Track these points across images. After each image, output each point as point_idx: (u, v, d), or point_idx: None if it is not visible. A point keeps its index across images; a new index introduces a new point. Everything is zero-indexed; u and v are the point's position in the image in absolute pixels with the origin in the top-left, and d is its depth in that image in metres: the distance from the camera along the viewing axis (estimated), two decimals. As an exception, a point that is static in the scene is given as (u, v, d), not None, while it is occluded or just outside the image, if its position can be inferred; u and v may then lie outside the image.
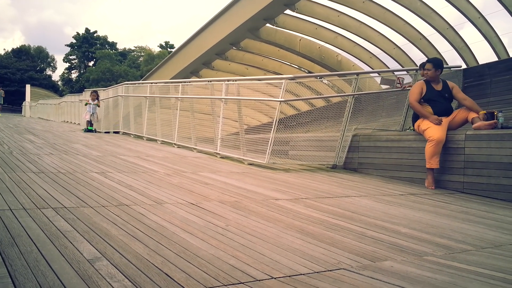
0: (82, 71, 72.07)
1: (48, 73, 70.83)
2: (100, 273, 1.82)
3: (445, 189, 5.14)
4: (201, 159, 6.71)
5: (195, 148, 7.86)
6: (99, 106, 12.23)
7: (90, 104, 12.00)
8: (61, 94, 49.40)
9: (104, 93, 13.55)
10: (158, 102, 9.71)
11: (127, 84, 12.17)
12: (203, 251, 2.24)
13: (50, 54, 72.73)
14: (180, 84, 9.00)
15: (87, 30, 72.39)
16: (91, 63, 72.71)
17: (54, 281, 1.71)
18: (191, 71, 15.97)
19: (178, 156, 6.81)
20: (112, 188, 3.73)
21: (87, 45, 71.47)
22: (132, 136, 10.66)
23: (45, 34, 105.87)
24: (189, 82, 9.49)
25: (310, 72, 15.29)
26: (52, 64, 72.92)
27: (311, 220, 3.17)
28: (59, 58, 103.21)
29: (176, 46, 19.83)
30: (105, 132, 12.14)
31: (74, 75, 74.05)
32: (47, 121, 20.56)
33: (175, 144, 8.49)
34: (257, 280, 1.89)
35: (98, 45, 71.83)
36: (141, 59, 71.21)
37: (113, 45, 75.09)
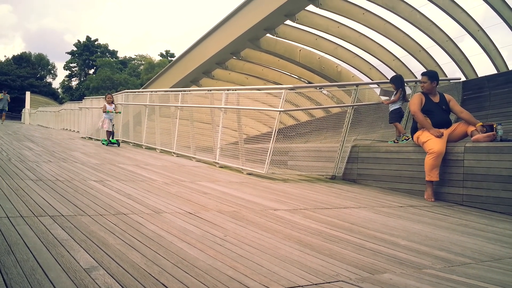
0: (82, 79, 72.26)
1: (48, 81, 71.01)
2: (96, 283, 1.80)
3: (444, 202, 5.13)
4: (200, 168, 6.70)
5: (194, 157, 7.85)
6: (119, 112, 10.56)
7: (110, 111, 9.99)
8: (61, 101, 49.49)
9: (104, 101, 13.56)
10: (158, 111, 9.72)
11: (127, 92, 12.21)
12: (200, 261, 2.22)
13: (50, 61, 73.00)
14: (180, 93, 9.02)
15: (88, 38, 72.74)
16: (91, 71, 72.92)
17: (50, 290, 1.70)
18: (191, 80, 16.02)
19: (177, 165, 6.80)
20: (110, 197, 3.71)
21: (88, 53, 71.74)
22: (131, 144, 10.65)
23: (46, 41, 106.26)
24: (189, 91, 9.51)
25: (310, 83, 15.34)
26: (52, 72, 73.13)
27: (309, 231, 3.15)
28: (59, 66, 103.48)
29: (177, 55, 19.99)
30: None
31: (74, 82, 74.21)
32: (46, 129, 20.56)
33: (174, 153, 8.47)
34: (255, 292, 1.87)
35: (98, 53, 72.11)
36: (141, 67, 71.48)
37: (113, 53, 75.41)
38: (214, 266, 2.16)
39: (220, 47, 13.61)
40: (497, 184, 4.75)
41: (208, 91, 8.95)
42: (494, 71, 11.09)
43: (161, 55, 72.38)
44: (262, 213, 3.61)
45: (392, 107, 6.40)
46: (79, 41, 72.91)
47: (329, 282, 2.10)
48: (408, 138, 6.15)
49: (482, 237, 3.45)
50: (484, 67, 11.41)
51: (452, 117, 5.95)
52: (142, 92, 12.16)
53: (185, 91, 9.31)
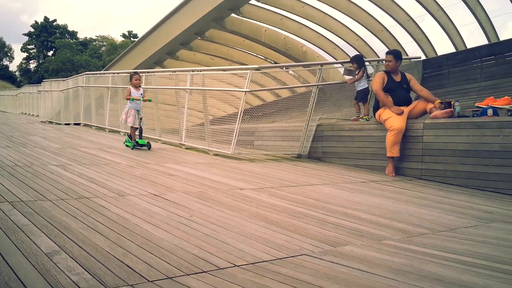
0: (41, 61, 69.24)
1: (5, 63, 67.71)
2: (58, 267, 1.78)
3: (405, 176, 5.32)
4: (165, 150, 6.63)
5: (159, 139, 7.75)
6: (149, 100, 7.04)
7: (137, 98, 6.57)
8: (18, 85, 47.38)
9: (64, 84, 13.10)
10: (121, 93, 9.48)
11: (88, 74, 11.81)
12: (166, 242, 2.23)
13: (6, 43, 69.49)
14: (144, 74, 8.81)
15: (46, 18, 69.49)
16: (50, 53, 69.93)
17: (10, 275, 1.66)
18: (155, 61, 15.65)
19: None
20: (71, 181, 3.63)
21: (46, 34, 68.66)
22: (93, 127, 10.38)
23: (1, 22, 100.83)
24: (153, 72, 9.32)
25: (275, 63, 15.33)
26: (9, 54, 69.72)
27: (275, 208, 3.20)
28: (16, 48, 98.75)
29: (140, 35, 19.45)
30: (65, 124, 11.76)
31: (32, 65, 71.05)
32: (3, 113, 19.71)
33: (139, 135, 8.32)
34: (220, 269, 1.90)
35: (57, 34, 69.12)
36: (103, 48, 69.15)
37: (73, 34, 72.51)
38: (179, 246, 2.17)
39: (184, 27, 13.32)
40: (454, 158, 4.95)
41: (172, 72, 8.80)
42: (453, 50, 11.40)
43: (124, 35, 70.23)
44: (228, 193, 3.64)
45: (361, 87, 6.51)
46: (36, 22, 69.61)
47: (293, 256, 2.15)
48: (369, 119, 6.31)
49: (439, 209, 3.61)
50: (443, 46, 11.72)
51: (412, 95, 6.12)
52: (104, 74, 11.80)
53: (149, 72, 9.12)
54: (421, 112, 5.70)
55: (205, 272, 1.85)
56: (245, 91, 6.35)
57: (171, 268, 1.86)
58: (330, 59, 14.10)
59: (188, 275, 1.81)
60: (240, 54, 16.33)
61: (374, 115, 5.98)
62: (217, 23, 13.01)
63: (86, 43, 72.65)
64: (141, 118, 6.54)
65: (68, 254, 1.93)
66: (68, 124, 11.77)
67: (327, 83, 7.18)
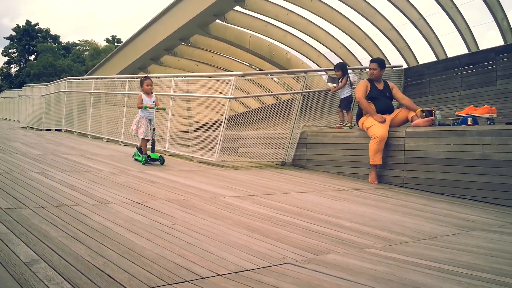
0: (22, 66, 68.00)
1: (-15, 68, 66.32)
2: (37, 276, 1.74)
3: (387, 184, 5.38)
4: (149, 157, 6.56)
5: (143, 146, 7.67)
6: (164, 108, 6.20)
7: (151, 107, 5.73)
8: (-1, 89, 46.45)
9: (46, 89, 12.90)
10: (104, 99, 9.38)
11: (70, 79, 11.67)
12: (148, 250, 2.20)
13: (-14, 46, 68.07)
14: (127, 80, 8.76)
15: (27, 22, 68.36)
16: (32, 57, 68.77)
17: (-15, 287, 1.62)
18: (139, 67, 15.55)
19: (125, 155, 6.62)
20: (52, 188, 3.57)
21: (28, 38, 67.52)
22: (75, 134, 10.23)
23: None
24: (137, 78, 9.24)
25: (260, 70, 15.39)
26: (-12, 58, 68.31)
27: (258, 216, 3.20)
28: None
29: (124, 40, 19.30)
30: (47, 130, 11.57)
31: (13, 69, 69.68)
32: (-18, 118, 19.29)
33: (121, 142, 8.24)
34: (203, 278, 1.89)
35: (39, 38, 68.03)
36: (86, 53, 68.32)
37: (56, 38, 71.47)
38: (161, 254, 2.15)
39: (168, 32, 13.28)
40: (435, 166, 5.03)
41: (156, 78, 8.75)
42: (434, 59, 11.62)
43: (107, 40, 69.58)
44: (212, 201, 3.62)
45: (344, 95, 6.56)
46: (18, 26, 68.36)
47: (276, 265, 2.15)
48: (352, 127, 6.38)
49: (421, 217, 3.66)
50: (425, 55, 11.97)
51: (394, 103, 6.21)
52: (87, 79, 11.68)
53: (133, 78, 9.05)
54: (403, 120, 5.78)
55: (187, 281, 1.84)
56: (230, 98, 6.35)
57: (153, 278, 1.84)
58: (314, 67, 14.21)
59: (170, 284, 1.79)
60: (225, 61, 16.35)
61: (357, 123, 6.05)
62: (202, 29, 13.01)
63: (68, 47, 71.73)
64: (154, 129, 5.74)
65: (47, 263, 1.90)
66: (50, 130, 11.58)
67: (311, 90, 7.24)
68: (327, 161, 6.25)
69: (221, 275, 1.94)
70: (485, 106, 5.76)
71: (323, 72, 11.33)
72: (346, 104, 6.60)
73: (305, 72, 7.44)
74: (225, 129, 6.18)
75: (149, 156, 5.54)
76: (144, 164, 5.44)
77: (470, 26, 10.94)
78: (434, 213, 3.81)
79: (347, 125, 6.49)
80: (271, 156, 6.71)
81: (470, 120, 5.30)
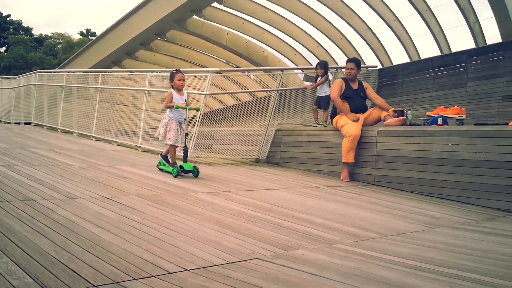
0: (-8, 57, 65.74)
1: (-47, 59, 63.81)
2: (-3, 271, 1.69)
3: (359, 182, 5.46)
4: (120, 152, 6.47)
5: (115, 141, 7.55)
6: (198, 109, 5.36)
7: (183, 107, 4.72)
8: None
9: (16, 81, 12.52)
10: (76, 92, 9.17)
11: (41, 72, 11.36)
12: (115, 246, 2.16)
13: (-45, 37, 65.51)
14: (100, 74, 8.58)
15: (-2, 12, 66.16)
16: (2, 49, 66.54)
17: None
18: (113, 61, 15.28)
19: (96, 149, 6.50)
20: (18, 182, 3.47)
21: (-1, 29, 65.36)
22: (45, 127, 9.97)
23: None
24: (110, 72, 9.10)
25: (237, 67, 15.36)
26: (-43, 49, 65.73)
27: (230, 212, 3.20)
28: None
29: (98, 34, 18.90)
30: (15, 123, 11.24)
31: (-18, 61, 67.38)
32: None
33: (93, 136, 8.08)
34: (170, 273, 1.87)
35: (11, 30, 65.90)
36: (59, 46, 66.57)
37: (28, 30, 69.37)
38: (129, 250, 2.12)
39: (144, 27, 13.10)
40: (405, 165, 5.13)
41: (131, 72, 8.63)
42: (408, 60, 11.85)
43: (81, 34, 67.98)
44: (184, 196, 3.59)
45: (324, 93, 6.54)
46: (-13, 16, 66.15)
47: (244, 260, 2.15)
48: (327, 125, 6.44)
49: (389, 214, 3.73)
50: (399, 56, 12.15)
51: (368, 103, 6.31)
52: (59, 72, 11.40)
53: (106, 72, 8.89)
54: (375, 119, 5.88)
55: (154, 276, 1.82)
56: (205, 94, 6.32)
57: (119, 273, 1.82)
58: (291, 65, 14.30)
59: (136, 279, 1.77)
60: (201, 57, 16.26)
61: (332, 122, 6.11)
62: (179, 24, 12.90)
63: (41, 40, 69.73)
64: (186, 134, 4.76)
65: (9, 258, 1.85)
66: (19, 123, 11.26)
67: (287, 88, 7.28)
68: (301, 159, 6.29)
69: (188, 270, 1.93)
70: (455, 107, 5.92)
71: (300, 71, 11.44)
72: (326, 102, 6.61)
73: (282, 70, 7.48)
74: (200, 125, 6.14)
75: (181, 167, 4.59)
76: (175, 177, 4.49)
77: (443, 29, 11.20)
78: (402, 210, 3.89)
79: (322, 123, 6.55)
80: (245, 153, 6.71)
81: (440, 120, 5.44)
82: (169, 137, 4.71)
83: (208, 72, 6.78)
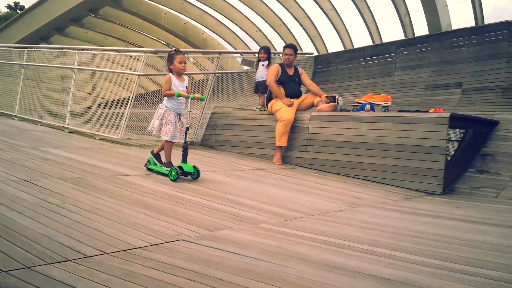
0: None
1: None
2: None
3: (290, 165, 5.60)
4: (45, 133, 6.11)
5: (39, 121, 7.12)
6: (202, 98, 4.37)
7: (185, 95, 3.96)
8: None
9: None
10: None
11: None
12: (30, 230, 2.07)
13: None
14: (26, 49, 8.00)
15: None
16: None
17: None
18: (41, 37, 14.32)
19: (18, 129, 6.10)
20: None
21: None
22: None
23: None
24: (37, 48, 8.49)
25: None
26: None
27: (159, 195, 3.16)
28: None
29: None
30: None
31: None
32: None
33: (15, 116, 7.57)
34: (87, 257, 1.82)
35: None
36: (-19, 18, 61.10)
37: None
38: (45, 234, 2.03)
39: (76, 1, 12.38)
40: (334, 148, 5.34)
41: (59, 49, 8.12)
42: (342, 48, 12.24)
43: (9, 7, 62.79)
44: (111, 179, 3.49)
45: (263, 78, 6.54)
46: None
47: (168, 242, 2.15)
48: (262, 109, 6.51)
49: (316, 195, 3.88)
50: (334, 44, 12.49)
51: (303, 89, 6.45)
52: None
53: (32, 48, 8.30)
54: (309, 105, 6.04)
55: (70, 260, 1.76)
56: (139, 75, 6.13)
57: (32, 258, 1.74)
58: (230, 49, 14.23)
59: (50, 264, 1.70)
60: (138, 36, 15.70)
61: (267, 106, 6.19)
62: (113, 1, 12.34)
63: (-41, 10, 63.46)
64: (187, 128, 3.99)
65: None
66: None
67: (224, 71, 7.25)
68: (236, 142, 6.33)
69: (107, 253, 1.89)
70: (382, 94, 6.23)
71: (239, 55, 11.41)
72: (265, 87, 6.64)
73: (220, 53, 7.41)
74: (134, 107, 5.96)
75: (180, 167, 3.80)
76: (174, 181, 3.72)
77: (376, 20, 11.66)
78: (328, 192, 4.06)
79: (258, 107, 6.61)
80: (180, 135, 6.61)
81: (367, 107, 5.70)
82: (165, 131, 3.97)
83: (143, 52, 6.56)
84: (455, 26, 9.56)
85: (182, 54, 4.01)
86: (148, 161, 4.15)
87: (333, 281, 1.77)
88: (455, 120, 4.97)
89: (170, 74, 3.98)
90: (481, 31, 7.32)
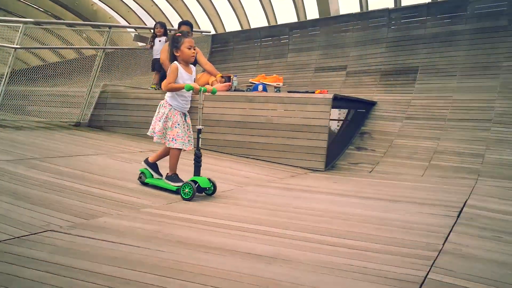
0: None
1: None
2: None
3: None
4: None
5: None
6: (214, 92, 3.49)
7: (197, 90, 3.21)
8: None
9: None
10: None
11: None
12: None
13: None
14: None
15: None
16: None
17: None
18: None
19: None
20: None
21: None
22: None
23: None
24: None
25: (60, 19, 13.77)
26: None
27: (31, 182, 2.91)
28: None
29: None
30: None
31: None
32: None
33: None
34: None
35: None
36: None
37: None
38: None
39: None
40: (227, 128, 5.39)
41: None
42: (239, 28, 12.29)
43: None
44: (-26, 166, 3.12)
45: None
46: None
47: (34, 233, 2.00)
48: (157, 88, 6.31)
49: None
50: (232, 24, 12.49)
51: (198, 68, 6.36)
52: None
53: None
54: (204, 84, 5.98)
55: None
56: (15, 48, 5.55)
57: None
58: (124, 23, 13.47)
59: None
60: (19, 5, 14.09)
61: (161, 85, 6.00)
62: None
63: None
64: (199, 130, 3.24)
65: None
66: None
67: (114, 47, 6.85)
68: (127, 123, 6.07)
69: (-44, 251, 1.69)
70: (275, 75, 6.43)
71: (132, 29, 10.85)
72: (160, 65, 6.41)
73: (110, 27, 6.96)
74: (10, 84, 5.39)
75: (195, 181, 3.01)
76: (189, 200, 2.94)
77: (271, 1, 11.87)
78: (218, 172, 4.10)
79: (152, 86, 6.39)
80: (64, 116, 6.15)
81: (260, 87, 5.84)
82: (173, 136, 3.17)
83: (20, 22, 5.93)
84: (343, 11, 10.14)
85: (191, 38, 3.23)
86: (142, 173, 3.30)
87: (204, 262, 1.79)
88: (338, 101, 5.32)
89: (176, 63, 3.15)
90: (364, 17, 7.87)
